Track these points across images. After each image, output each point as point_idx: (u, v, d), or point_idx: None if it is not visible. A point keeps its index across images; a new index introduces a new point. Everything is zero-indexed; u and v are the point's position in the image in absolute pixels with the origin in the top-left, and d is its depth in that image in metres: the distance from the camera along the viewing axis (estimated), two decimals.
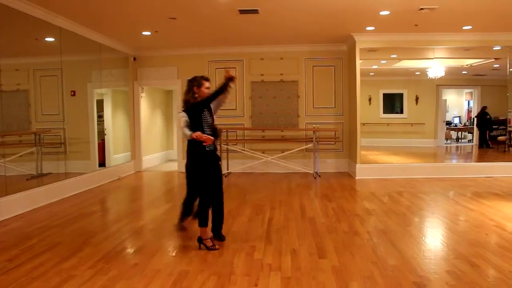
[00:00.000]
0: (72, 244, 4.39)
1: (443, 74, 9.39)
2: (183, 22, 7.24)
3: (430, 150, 9.99)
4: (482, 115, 11.02)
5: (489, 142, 11.00)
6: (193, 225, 4.67)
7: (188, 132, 4.10)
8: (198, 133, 4.02)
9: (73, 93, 7.62)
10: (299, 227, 4.99)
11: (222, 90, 4.08)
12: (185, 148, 4.33)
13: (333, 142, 9.62)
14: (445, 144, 11.90)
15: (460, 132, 12.58)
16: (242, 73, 9.71)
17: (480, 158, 10.84)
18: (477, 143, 11.36)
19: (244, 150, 9.37)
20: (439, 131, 11.02)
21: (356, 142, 8.76)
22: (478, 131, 11.26)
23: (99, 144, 8.72)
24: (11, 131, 6.22)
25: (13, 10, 5.79)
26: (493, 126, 10.90)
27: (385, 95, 11.10)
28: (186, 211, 4.67)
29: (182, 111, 4.24)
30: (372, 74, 10.60)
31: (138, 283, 3.35)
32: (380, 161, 9.69)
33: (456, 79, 10.88)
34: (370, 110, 10.67)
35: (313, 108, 9.74)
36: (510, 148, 10.23)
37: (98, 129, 8.63)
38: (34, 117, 6.67)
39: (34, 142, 6.69)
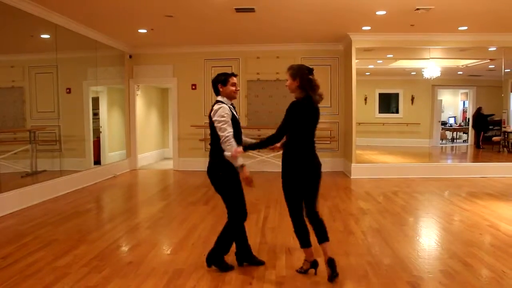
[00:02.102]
0: (67, 242, 4.37)
1: (438, 74, 9.42)
2: (179, 20, 7.22)
3: (425, 150, 10.03)
4: (478, 116, 11.07)
5: (480, 143, 11.06)
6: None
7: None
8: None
9: (69, 91, 7.59)
10: None
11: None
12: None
13: (328, 142, 9.64)
14: (440, 144, 11.93)
15: (455, 132, 12.64)
16: (239, 71, 9.69)
17: (475, 159, 10.88)
18: (473, 143, 11.42)
19: None
20: (435, 131, 11.05)
21: (351, 142, 8.78)
22: (474, 132, 11.33)
23: (94, 142, 8.69)
24: (5, 128, 6.19)
25: (8, 6, 5.75)
26: (489, 127, 10.96)
27: (381, 94, 11.12)
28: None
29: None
30: (368, 73, 10.62)
31: (132, 281, 3.35)
32: (375, 161, 9.71)
33: (451, 80, 10.92)
34: (365, 109, 10.67)
35: None
36: (505, 148, 10.29)
37: (93, 126, 8.60)
38: (29, 114, 6.64)
39: (29, 140, 6.65)
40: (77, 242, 4.37)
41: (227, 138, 3.39)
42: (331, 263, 3.30)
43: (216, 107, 3.52)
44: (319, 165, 3.53)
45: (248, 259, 3.69)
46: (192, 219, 5.28)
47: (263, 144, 3.54)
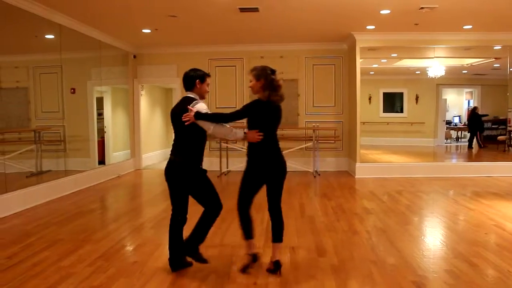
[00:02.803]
0: (71, 242, 4.39)
1: (443, 73, 9.38)
2: (183, 20, 7.23)
3: (430, 149, 9.99)
4: (473, 116, 11.07)
5: (481, 142, 11.05)
6: None
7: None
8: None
9: (73, 91, 7.61)
10: (298, 225, 4.99)
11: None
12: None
13: (333, 141, 9.61)
14: (445, 143, 11.90)
15: (460, 132, 12.60)
16: (242, 71, 9.70)
17: (480, 158, 10.84)
18: (470, 143, 11.45)
19: (243, 149, 9.35)
20: (439, 131, 11.02)
21: (356, 141, 8.76)
22: (469, 132, 11.38)
23: (98, 141, 8.72)
24: (10, 129, 6.21)
25: (12, 7, 5.78)
26: (484, 127, 11.00)
27: (385, 94, 11.10)
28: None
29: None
30: (372, 73, 10.60)
31: (137, 281, 3.36)
32: (380, 160, 9.69)
33: (456, 79, 10.88)
34: (370, 109, 10.66)
35: (313, 106, 9.74)
36: (510, 147, 10.24)
37: (98, 126, 8.63)
38: (34, 114, 6.66)
39: (34, 140, 6.68)
40: (81, 242, 4.38)
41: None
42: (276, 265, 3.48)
43: (195, 103, 3.41)
44: (282, 162, 3.54)
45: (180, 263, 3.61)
46: (195, 219, 5.23)
47: (213, 116, 3.45)
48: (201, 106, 3.41)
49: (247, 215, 3.58)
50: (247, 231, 3.59)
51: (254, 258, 3.60)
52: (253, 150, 3.51)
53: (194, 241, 3.59)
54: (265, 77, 3.46)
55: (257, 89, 3.50)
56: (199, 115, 3.34)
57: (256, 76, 3.50)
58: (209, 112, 3.45)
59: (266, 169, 3.49)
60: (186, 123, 3.34)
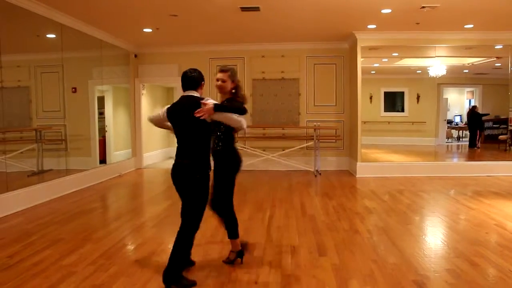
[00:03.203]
0: (73, 241, 4.39)
1: (444, 72, 9.38)
2: (184, 19, 7.23)
3: (431, 148, 9.99)
4: (472, 115, 11.07)
5: (477, 142, 11.06)
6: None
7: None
8: None
9: (74, 90, 7.62)
10: (299, 225, 4.99)
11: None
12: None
13: (334, 140, 9.61)
14: (446, 142, 11.90)
15: (461, 131, 12.60)
16: (244, 70, 9.70)
17: (481, 157, 10.83)
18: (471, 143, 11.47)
19: (244, 148, 9.36)
20: (440, 130, 11.01)
21: (357, 140, 8.76)
22: (469, 131, 11.40)
23: (100, 141, 8.72)
24: (12, 128, 6.22)
25: (14, 6, 5.79)
26: (484, 126, 11.00)
27: (386, 93, 11.09)
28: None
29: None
30: (373, 72, 10.59)
31: (138, 280, 3.36)
32: (381, 160, 9.68)
33: (457, 78, 10.87)
34: (371, 108, 10.65)
35: (314, 106, 9.74)
36: (511, 147, 10.23)
37: (99, 126, 8.63)
38: (35, 113, 6.67)
39: (35, 139, 6.69)
40: (83, 241, 4.39)
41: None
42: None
43: (207, 99, 3.28)
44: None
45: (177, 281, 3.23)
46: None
47: (232, 107, 3.38)
48: (213, 102, 3.26)
49: (233, 214, 3.68)
50: (235, 230, 3.68)
51: (240, 254, 3.70)
52: (225, 149, 3.61)
53: (175, 268, 3.25)
54: (237, 79, 3.59)
55: (228, 90, 3.56)
56: (219, 107, 3.22)
57: (231, 77, 3.55)
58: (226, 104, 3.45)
59: (238, 166, 3.70)
60: (201, 117, 3.17)
